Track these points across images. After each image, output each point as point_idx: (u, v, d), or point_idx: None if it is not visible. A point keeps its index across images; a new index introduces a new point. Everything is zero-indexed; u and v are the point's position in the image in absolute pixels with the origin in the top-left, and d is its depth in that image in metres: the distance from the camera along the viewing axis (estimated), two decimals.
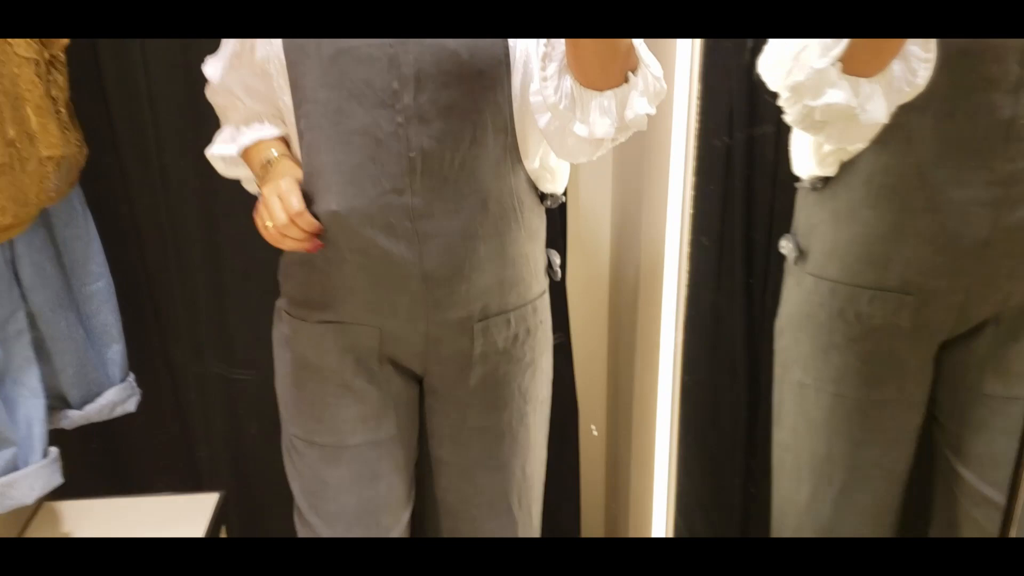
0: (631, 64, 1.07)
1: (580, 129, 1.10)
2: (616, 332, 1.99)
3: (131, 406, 1.64)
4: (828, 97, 1.05)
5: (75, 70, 1.44)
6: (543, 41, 1.08)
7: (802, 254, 1.34)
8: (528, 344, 1.34)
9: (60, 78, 1.40)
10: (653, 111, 1.10)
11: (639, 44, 1.07)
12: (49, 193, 1.38)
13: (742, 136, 1.51)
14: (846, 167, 1.24)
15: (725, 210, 1.56)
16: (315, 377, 1.30)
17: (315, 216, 1.18)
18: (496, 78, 1.14)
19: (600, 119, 1.08)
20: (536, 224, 1.30)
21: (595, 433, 2.06)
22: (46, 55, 1.36)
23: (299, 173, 1.20)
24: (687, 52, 1.50)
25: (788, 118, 1.13)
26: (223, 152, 1.30)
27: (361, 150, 1.15)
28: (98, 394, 1.58)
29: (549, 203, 1.31)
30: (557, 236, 1.62)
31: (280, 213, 1.14)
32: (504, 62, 1.14)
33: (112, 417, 1.61)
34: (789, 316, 1.38)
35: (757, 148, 1.53)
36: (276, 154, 1.24)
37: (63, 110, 1.40)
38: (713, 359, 1.64)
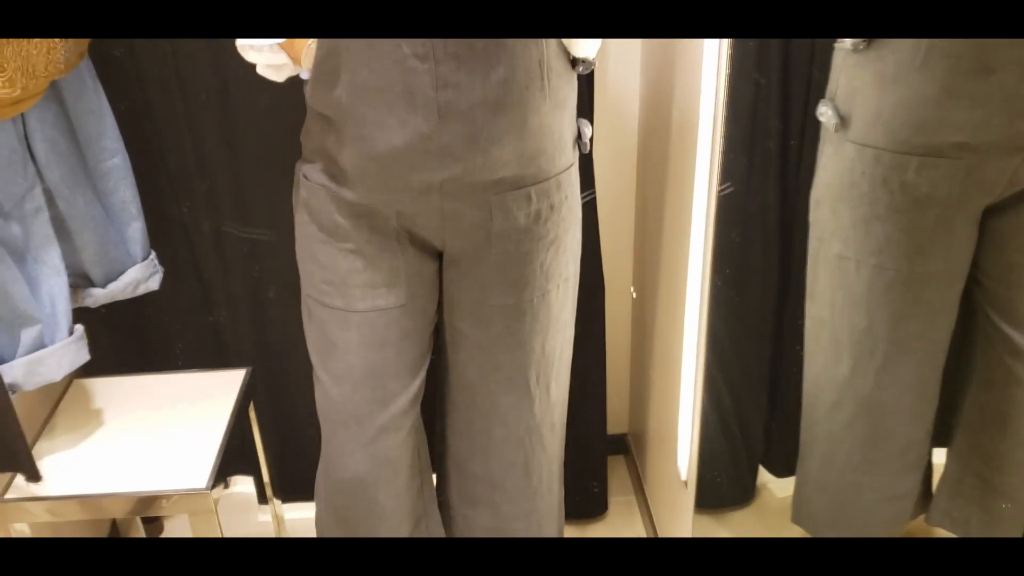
0: None
1: None
2: (643, 199, 1.94)
3: (154, 284, 1.63)
4: None
5: None
6: None
7: (843, 121, 1.27)
8: (552, 221, 1.30)
9: None
10: None
11: None
12: (58, 65, 1.34)
13: None
14: None
15: (760, 71, 1.49)
16: (330, 241, 1.29)
17: (333, 71, 1.13)
18: None
19: None
20: (564, 92, 1.24)
21: (634, 295, 2.04)
22: None
23: None
24: None
25: None
26: (257, 44, 1.22)
27: None
28: (121, 272, 1.57)
29: (581, 68, 1.25)
30: (584, 105, 1.57)
31: None
32: None
33: (136, 295, 1.61)
34: (827, 187, 1.33)
35: None
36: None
37: None
38: (745, 227, 1.60)
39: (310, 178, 1.27)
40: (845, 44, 1.26)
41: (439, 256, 1.35)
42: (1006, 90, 1.12)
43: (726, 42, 1.36)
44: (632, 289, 2.09)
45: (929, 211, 1.23)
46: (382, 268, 1.29)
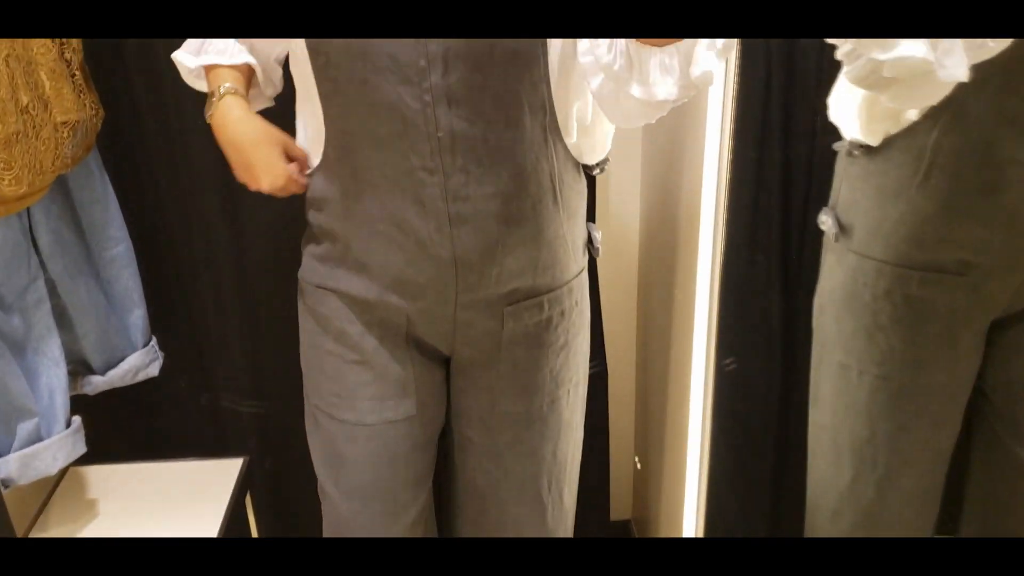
0: None
1: (638, 91, 1.01)
2: (645, 300, 1.94)
3: (154, 370, 1.62)
4: (902, 50, 0.91)
5: None
6: None
7: (844, 230, 1.27)
8: (562, 327, 1.29)
9: (73, 40, 1.35)
10: (723, 66, 1.02)
11: None
12: (65, 160, 1.34)
13: (779, 101, 1.45)
14: (892, 142, 1.16)
15: (760, 177, 1.50)
16: (336, 351, 1.27)
17: (345, 181, 1.15)
18: (532, 57, 1.07)
19: (661, 79, 1.00)
20: (576, 202, 1.25)
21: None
22: None
23: (238, 113, 1.18)
24: None
25: (848, 75, 1.00)
26: (185, 62, 1.25)
27: (389, 123, 1.09)
28: (121, 359, 1.57)
29: (596, 171, 1.25)
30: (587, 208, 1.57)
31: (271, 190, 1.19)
32: (540, 41, 1.07)
33: (135, 382, 1.60)
34: (830, 294, 1.32)
35: (794, 113, 1.47)
36: (223, 89, 1.19)
37: (78, 72, 1.36)
38: (747, 329, 1.59)
39: (316, 283, 1.26)
40: (844, 145, 1.25)
41: (446, 362, 1.34)
42: (1008, 210, 1.12)
43: (727, 151, 1.37)
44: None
45: (933, 324, 1.21)
46: (391, 379, 1.27)
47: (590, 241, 1.33)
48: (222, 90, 1.19)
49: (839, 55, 1.00)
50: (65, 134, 1.33)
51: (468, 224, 1.14)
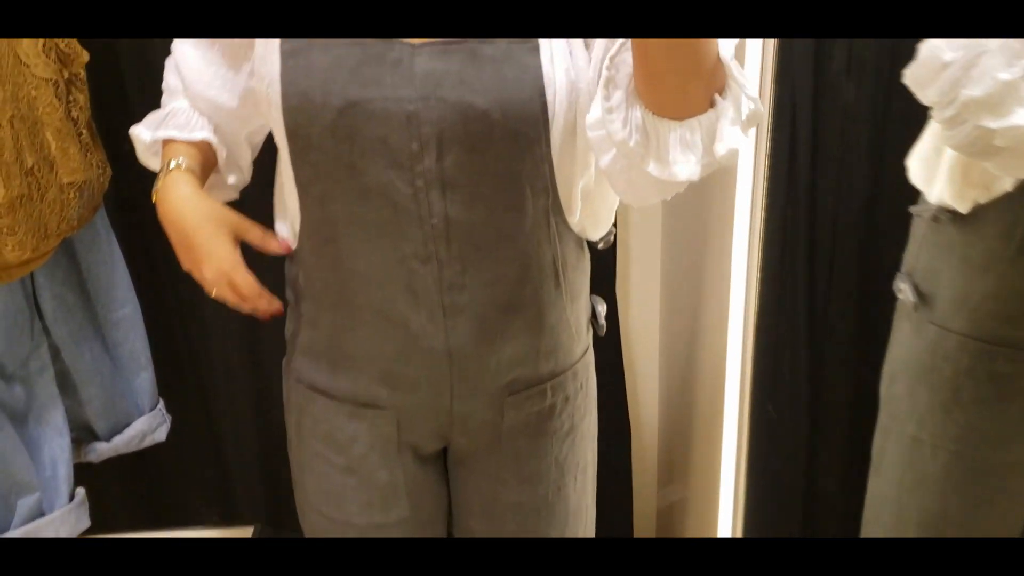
0: (718, 83, 0.87)
1: (656, 169, 0.89)
2: (667, 379, 1.87)
3: (161, 435, 1.55)
4: (1018, 118, 0.84)
5: (97, 84, 1.33)
6: (604, 63, 0.90)
7: (923, 300, 1.20)
8: (566, 413, 1.19)
9: (80, 97, 1.28)
10: (748, 141, 0.93)
11: (726, 57, 0.87)
12: (71, 222, 1.28)
13: (807, 154, 1.40)
14: (981, 212, 1.09)
15: (787, 228, 1.44)
16: (323, 452, 1.17)
17: (327, 271, 1.07)
18: (533, 138, 0.98)
19: (682, 156, 0.88)
20: (579, 282, 1.15)
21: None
22: (65, 74, 1.24)
23: (185, 190, 1.07)
24: (757, 58, 1.37)
25: (950, 140, 0.92)
26: (142, 136, 1.14)
27: (377, 209, 1.00)
28: (127, 424, 1.50)
29: (601, 245, 1.17)
30: (607, 281, 1.54)
31: (238, 302, 1.08)
32: (542, 118, 0.97)
33: (142, 447, 1.53)
34: (905, 364, 1.24)
35: (819, 167, 1.42)
36: (173, 164, 1.09)
37: (85, 131, 1.29)
38: (779, 399, 1.54)
39: (306, 383, 1.17)
40: (929, 209, 1.18)
41: (443, 453, 1.24)
42: None
43: (760, 208, 1.32)
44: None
45: (1016, 402, 1.14)
46: (379, 484, 1.17)
47: (594, 317, 1.23)
48: (172, 165, 1.09)
49: (938, 119, 0.91)
50: (71, 195, 1.27)
51: (464, 314, 1.05)
